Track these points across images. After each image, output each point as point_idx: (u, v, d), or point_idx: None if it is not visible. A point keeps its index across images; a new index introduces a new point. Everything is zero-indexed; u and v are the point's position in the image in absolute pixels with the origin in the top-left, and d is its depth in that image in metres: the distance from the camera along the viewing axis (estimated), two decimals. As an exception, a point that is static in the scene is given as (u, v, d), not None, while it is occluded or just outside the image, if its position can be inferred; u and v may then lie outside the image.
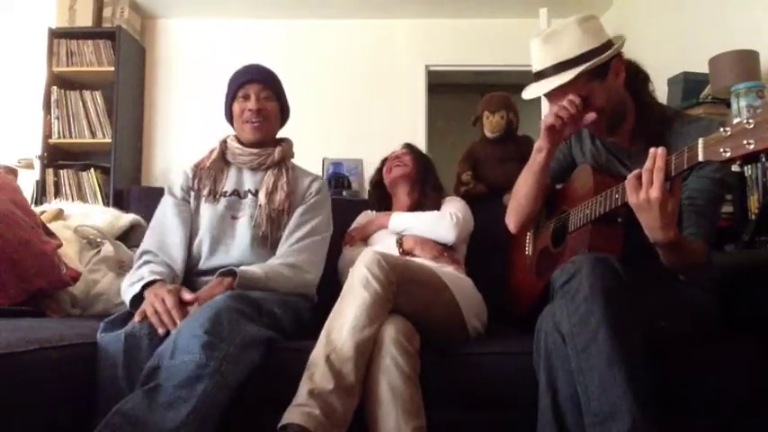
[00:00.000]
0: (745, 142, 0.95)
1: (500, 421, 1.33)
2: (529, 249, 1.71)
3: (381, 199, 2.13)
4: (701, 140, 1.03)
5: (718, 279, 1.38)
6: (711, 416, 1.31)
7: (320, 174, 3.79)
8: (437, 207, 1.94)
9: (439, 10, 4.09)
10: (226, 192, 1.68)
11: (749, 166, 1.98)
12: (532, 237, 1.72)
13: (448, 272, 1.66)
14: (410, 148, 2.14)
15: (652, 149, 1.12)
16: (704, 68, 2.43)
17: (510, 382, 1.33)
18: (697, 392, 1.29)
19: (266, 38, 4.21)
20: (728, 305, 1.38)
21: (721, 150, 0.98)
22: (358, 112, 4.13)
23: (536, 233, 1.70)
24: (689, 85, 2.54)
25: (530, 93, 1.43)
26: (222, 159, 1.73)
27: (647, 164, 1.12)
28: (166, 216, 1.65)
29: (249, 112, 1.66)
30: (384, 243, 1.87)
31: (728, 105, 2.22)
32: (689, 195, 1.30)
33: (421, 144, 4.07)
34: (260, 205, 1.64)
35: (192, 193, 1.68)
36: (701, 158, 1.02)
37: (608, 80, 1.36)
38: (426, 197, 2.01)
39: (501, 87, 3.12)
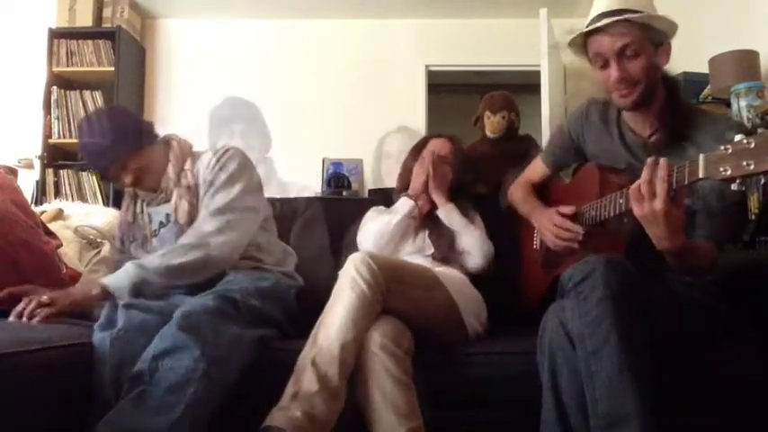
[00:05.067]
0: (744, 163, 0.94)
1: (500, 421, 1.33)
2: (536, 243, 1.72)
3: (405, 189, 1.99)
4: (702, 156, 1.02)
5: (718, 279, 1.38)
6: (711, 416, 1.31)
7: (320, 174, 3.83)
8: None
9: (439, 10, 4.08)
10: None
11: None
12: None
13: (442, 270, 1.64)
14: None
15: (650, 159, 1.10)
16: (704, 68, 2.42)
17: (510, 382, 1.33)
18: (697, 393, 1.29)
19: (266, 38, 4.17)
20: (729, 305, 1.38)
21: (721, 169, 0.98)
22: (358, 112, 4.12)
23: None
24: (689, 85, 2.53)
25: (595, 23, 1.32)
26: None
27: (645, 174, 1.10)
28: None
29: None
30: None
31: (728, 105, 2.21)
32: (701, 195, 1.29)
33: (421, 144, 4.08)
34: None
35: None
36: (701, 175, 1.02)
37: (658, 53, 1.36)
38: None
39: (501, 87, 3.11)
